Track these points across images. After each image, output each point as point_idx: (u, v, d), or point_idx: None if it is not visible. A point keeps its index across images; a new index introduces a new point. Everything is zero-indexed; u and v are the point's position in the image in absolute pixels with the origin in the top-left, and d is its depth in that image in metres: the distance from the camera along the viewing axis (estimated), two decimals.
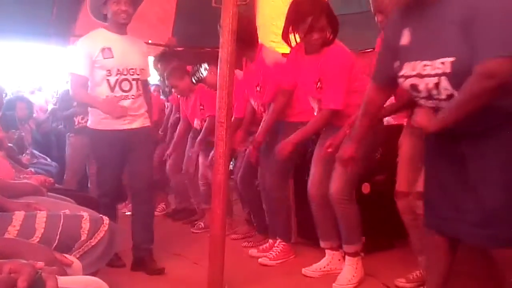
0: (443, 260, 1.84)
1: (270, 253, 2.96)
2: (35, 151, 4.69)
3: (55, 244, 1.61)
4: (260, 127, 2.98)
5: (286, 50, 2.91)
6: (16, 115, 4.83)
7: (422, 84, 1.62)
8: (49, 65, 5.01)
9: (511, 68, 1.44)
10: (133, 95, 2.76)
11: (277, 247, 2.99)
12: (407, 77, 1.67)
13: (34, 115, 5.66)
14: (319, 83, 2.56)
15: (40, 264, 0.94)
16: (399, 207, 2.34)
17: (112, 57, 2.69)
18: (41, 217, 1.69)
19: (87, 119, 4.62)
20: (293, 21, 2.53)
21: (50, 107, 5.83)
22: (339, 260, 2.69)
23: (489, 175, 1.59)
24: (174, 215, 4.32)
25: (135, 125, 2.80)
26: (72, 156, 4.55)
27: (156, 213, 4.59)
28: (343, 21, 2.70)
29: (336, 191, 2.49)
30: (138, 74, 2.78)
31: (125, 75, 2.73)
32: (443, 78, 1.55)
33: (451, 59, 1.52)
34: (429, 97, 1.64)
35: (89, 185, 4.63)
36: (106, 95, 2.71)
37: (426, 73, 1.60)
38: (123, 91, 2.73)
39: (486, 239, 1.62)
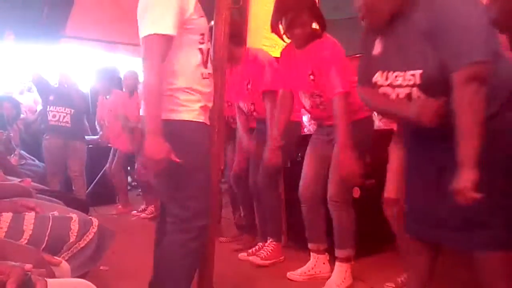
0: (424, 265, 1.86)
1: (261, 253, 2.97)
2: (23, 152, 4.66)
3: (43, 246, 1.59)
4: (271, 130, 2.76)
5: (277, 54, 2.91)
6: (4, 115, 4.78)
7: (393, 94, 1.67)
8: (39, 66, 5.04)
9: (486, 70, 1.48)
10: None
11: (268, 246, 2.99)
12: (380, 86, 1.71)
13: (23, 115, 5.61)
14: (311, 75, 2.53)
15: (29, 266, 0.93)
16: (387, 213, 2.35)
17: (204, 16, 1.93)
18: (29, 218, 1.67)
19: (60, 117, 4.52)
20: (276, 16, 2.52)
21: (39, 107, 5.79)
22: (324, 263, 2.69)
23: None
24: None
25: None
26: (49, 160, 4.49)
27: (144, 216, 4.61)
28: (333, 26, 2.71)
29: (334, 195, 2.49)
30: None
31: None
32: (414, 89, 1.60)
33: (420, 71, 1.57)
34: None
35: (73, 187, 4.61)
36: (200, 72, 1.90)
37: (398, 83, 1.64)
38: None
39: (466, 243, 1.65)
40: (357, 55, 1.91)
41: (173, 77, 1.83)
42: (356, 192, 2.94)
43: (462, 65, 1.48)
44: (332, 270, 2.61)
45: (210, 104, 1.99)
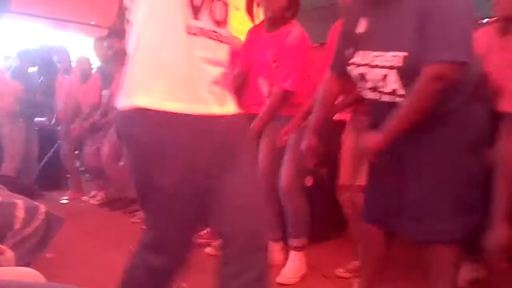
0: (377, 252, 1.90)
1: (216, 243, 2.93)
2: None
3: None
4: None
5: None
6: None
7: (370, 74, 1.65)
8: None
9: (455, 72, 1.50)
10: None
11: None
12: (357, 65, 1.70)
13: None
14: (275, 63, 2.48)
15: None
16: (341, 200, 2.40)
17: None
18: None
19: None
20: None
21: None
22: (278, 251, 2.71)
23: (423, 171, 1.64)
24: (111, 204, 4.21)
25: None
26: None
27: (95, 202, 4.50)
28: (312, 14, 2.68)
29: (286, 185, 2.50)
30: None
31: None
32: (392, 71, 1.58)
33: (404, 53, 1.55)
34: (374, 88, 1.67)
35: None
36: None
37: (376, 64, 1.62)
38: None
39: (420, 233, 1.68)
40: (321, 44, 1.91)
41: None
42: (309, 181, 2.98)
43: (434, 60, 1.50)
44: (285, 258, 2.63)
45: None
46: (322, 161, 2.92)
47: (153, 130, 1.20)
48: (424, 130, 1.61)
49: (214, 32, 1.25)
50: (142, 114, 1.19)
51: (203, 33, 1.22)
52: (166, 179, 1.22)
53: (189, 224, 1.37)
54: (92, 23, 4.52)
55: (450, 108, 1.59)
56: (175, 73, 1.20)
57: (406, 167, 1.70)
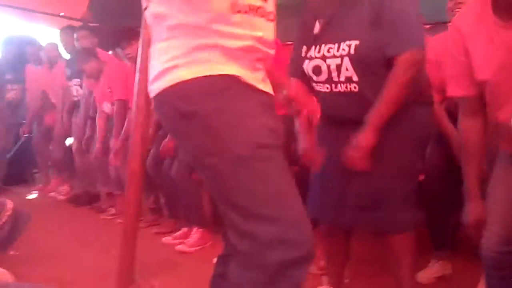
0: (338, 246, 1.96)
1: (188, 240, 2.94)
2: None
3: None
4: None
5: None
6: None
7: (324, 66, 1.71)
8: None
9: (423, 57, 1.63)
10: None
11: (195, 234, 2.97)
12: (311, 58, 1.76)
13: None
14: None
15: None
16: None
17: None
18: None
19: None
20: None
21: None
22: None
23: (377, 161, 1.67)
24: (76, 200, 4.14)
25: None
26: None
27: (60, 197, 4.40)
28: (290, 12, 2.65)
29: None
30: None
31: None
32: (346, 58, 1.65)
33: (356, 42, 1.64)
34: (328, 80, 1.73)
35: None
36: None
37: (331, 55, 1.69)
38: None
39: (378, 224, 1.74)
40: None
41: None
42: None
43: (406, 49, 1.60)
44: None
45: None
46: (294, 159, 2.95)
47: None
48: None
49: (260, 8, 1.16)
50: (223, 81, 1.09)
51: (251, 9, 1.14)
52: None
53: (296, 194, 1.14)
54: (62, 14, 4.40)
55: (403, 105, 1.65)
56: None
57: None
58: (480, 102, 1.50)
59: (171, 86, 1.10)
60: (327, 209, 1.84)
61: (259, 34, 1.15)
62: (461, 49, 1.46)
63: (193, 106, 1.07)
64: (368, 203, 1.72)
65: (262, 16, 1.16)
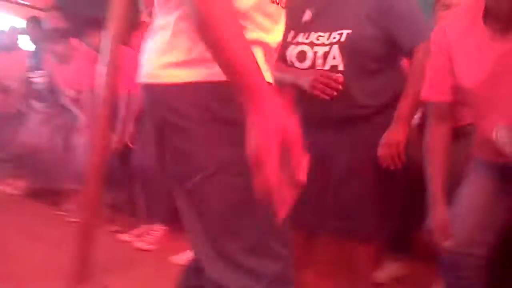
0: (299, 252, 1.92)
1: (148, 237, 2.90)
2: None
3: None
4: None
5: None
6: None
7: (310, 52, 1.68)
8: None
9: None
10: None
11: (156, 231, 2.93)
12: (297, 43, 1.72)
13: None
14: None
15: None
16: None
17: None
18: None
19: None
20: None
21: None
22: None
23: (349, 172, 1.70)
24: (32, 195, 3.99)
25: None
26: None
27: (16, 192, 4.22)
28: None
29: None
30: None
31: None
32: (335, 46, 1.64)
33: (349, 31, 1.63)
34: (311, 68, 1.69)
35: None
36: None
37: (320, 42, 1.67)
38: None
39: (345, 232, 1.76)
40: None
41: None
42: None
43: (420, 41, 1.64)
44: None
45: None
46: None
47: None
48: (349, 132, 1.69)
49: None
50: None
51: None
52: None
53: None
54: (26, 3, 4.25)
55: (376, 108, 1.68)
56: None
57: (333, 165, 1.74)
58: (451, 109, 1.54)
59: (207, 82, 0.90)
60: (305, 213, 1.82)
61: (282, 29, 1.00)
62: (445, 55, 1.47)
63: (234, 111, 0.84)
64: (341, 211, 1.73)
65: (284, 7, 1.02)
